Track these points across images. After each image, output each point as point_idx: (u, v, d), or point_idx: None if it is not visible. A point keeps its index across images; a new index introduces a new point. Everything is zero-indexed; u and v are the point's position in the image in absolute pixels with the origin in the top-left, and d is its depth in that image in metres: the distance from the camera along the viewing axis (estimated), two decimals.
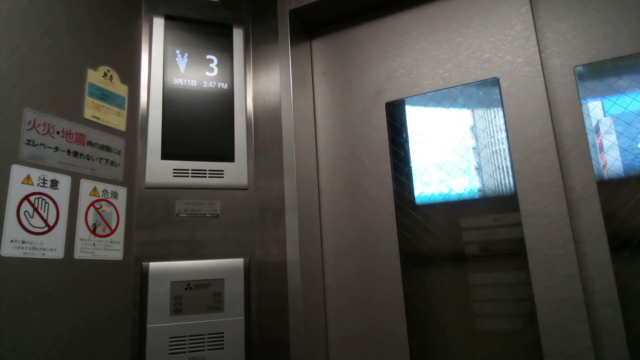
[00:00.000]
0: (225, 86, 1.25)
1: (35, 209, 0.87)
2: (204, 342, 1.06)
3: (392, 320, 1.11)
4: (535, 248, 0.98)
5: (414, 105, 1.20)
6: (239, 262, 1.14)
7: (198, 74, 1.23)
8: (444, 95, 1.16)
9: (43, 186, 0.89)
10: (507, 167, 1.07)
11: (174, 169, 1.15)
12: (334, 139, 1.28)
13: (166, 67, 1.20)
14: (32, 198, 0.87)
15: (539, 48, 1.06)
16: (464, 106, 1.15)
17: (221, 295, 1.10)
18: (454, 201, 1.13)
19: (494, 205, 1.09)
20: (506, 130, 1.05)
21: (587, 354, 0.90)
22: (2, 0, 0.87)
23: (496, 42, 1.11)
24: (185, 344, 1.05)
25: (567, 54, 1.04)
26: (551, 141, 1.00)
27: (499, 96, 1.07)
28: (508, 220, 1.07)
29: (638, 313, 0.92)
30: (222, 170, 1.19)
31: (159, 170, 1.13)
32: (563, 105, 1.03)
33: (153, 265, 1.07)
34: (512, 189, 1.04)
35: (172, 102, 1.18)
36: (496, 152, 1.10)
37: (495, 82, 1.09)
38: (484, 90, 1.12)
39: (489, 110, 1.12)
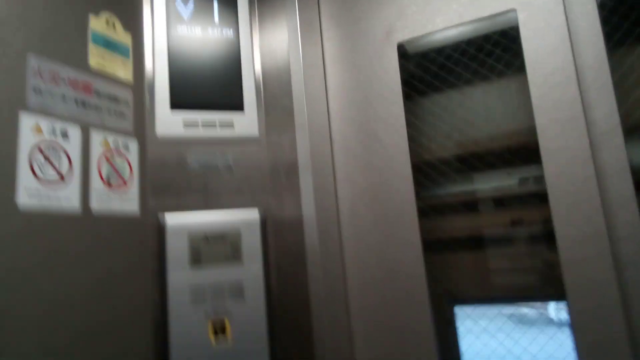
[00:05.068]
0: (230, 33, 1.20)
1: (47, 159, 0.85)
2: (224, 293, 1.06)
3: (410, 265, 1.10)
4: (556, 184, 0.96)
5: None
6: (254, 212, 1.13)
7: (202, 22, 1.18)
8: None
9: (53, 135, 0.87)
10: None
11: (184, 121, 1.12)
12: (344, 86, 1.25)
13: (169, 15, 1.15)
14: (43, 147, 0.85)
15: None
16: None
17: (239, 246, 1.09)
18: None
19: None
20: (524, 63, 1.01)
21: (611, 288, 0.90)
22: None
23: None
24: (206, 294, 1.05)
25: None
26: (572, 74, 0.97)
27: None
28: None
29: None
30: (232, 120, 1.16)
31: (169, 121, 1.11)
32: (583, 35, 0.98)
33: (169, 216, 1.06)
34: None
35: (177, 50, 1.14)
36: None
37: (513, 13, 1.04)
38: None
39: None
